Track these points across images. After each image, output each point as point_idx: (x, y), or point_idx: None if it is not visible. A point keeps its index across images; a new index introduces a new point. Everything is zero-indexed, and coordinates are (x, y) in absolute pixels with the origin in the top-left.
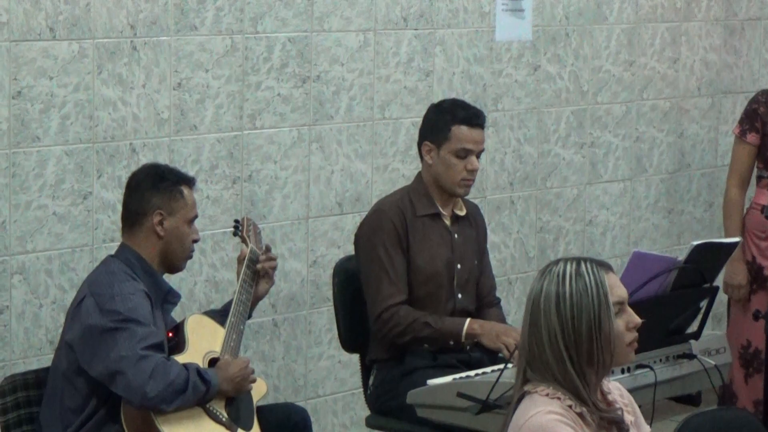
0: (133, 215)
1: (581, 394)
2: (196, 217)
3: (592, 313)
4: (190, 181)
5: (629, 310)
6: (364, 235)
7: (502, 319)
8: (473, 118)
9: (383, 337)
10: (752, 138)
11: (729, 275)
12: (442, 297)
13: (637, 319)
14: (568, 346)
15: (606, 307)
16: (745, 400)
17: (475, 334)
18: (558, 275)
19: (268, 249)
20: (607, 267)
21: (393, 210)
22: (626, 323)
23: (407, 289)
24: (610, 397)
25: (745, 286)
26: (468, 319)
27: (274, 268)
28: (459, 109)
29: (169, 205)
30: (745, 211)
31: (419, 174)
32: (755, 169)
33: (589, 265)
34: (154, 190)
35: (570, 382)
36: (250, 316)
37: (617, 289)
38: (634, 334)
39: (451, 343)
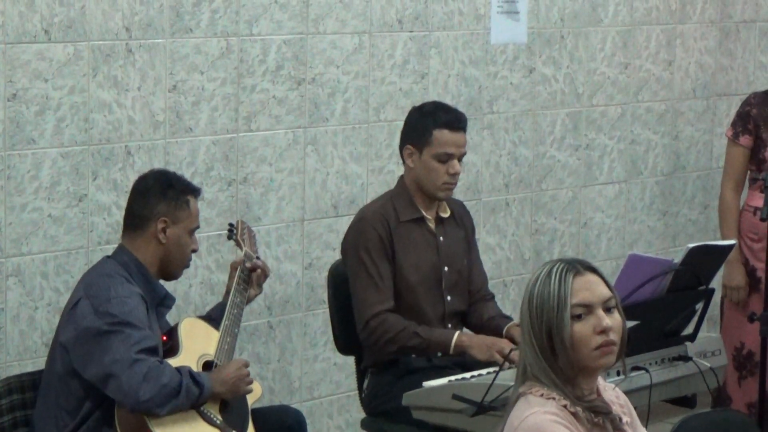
0: (136, 219)
1: (562, 389)
2: (197, 227)
3: (551, 315)
4: (196, 192)
5: (599, 313)
6: (349, 244)
7: (498, 312)
8: (455, 121)
9: (372, 344)
10: (745, 140)
11: (727, 277)
12: (430, 301)
13: (606, 323)
14: (538, 345)
15: (563, 311)
16: (739, 403)
17: (464, 347)
18: (535, 277)
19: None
20: (583, 268)
21: (376, 217)
22: (593, 327)
23: (393, 296)
24: (605, 396)
25: (744, 287)
26: (457, 332)
27: (265, 277)
28: (441, 112)
29: (174, 214)
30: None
31: (401, 178)
32: (748, 171)
33: (558, 268)
34: (161, 197)
35: (548, 378)
36: (241, 319)
37: (583, 293)
38: (605, 338)
39: (439, 354)
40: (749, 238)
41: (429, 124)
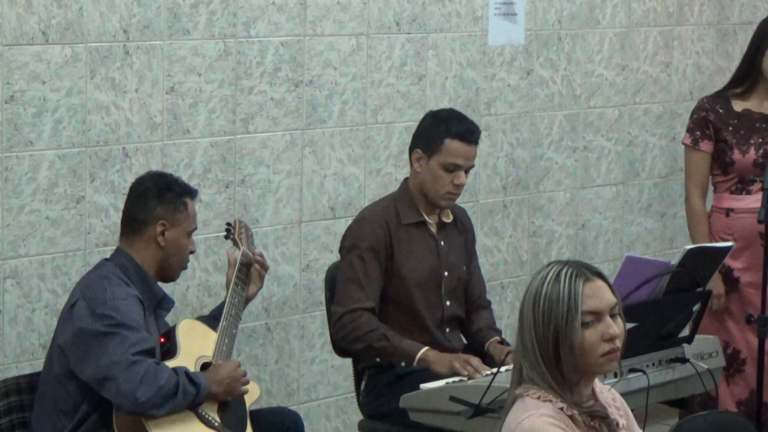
0: (134, 222)
1: (559, 394)
2: (195, 229)
3: (560, 321)
4: (193, 193)
5: (608, 320)
6: (345, 242)
7: (492, 321)
8: (468, 133)
9: (340, 339)
10: (705, 146)
11: None
12: (429, 305)
13: (614, 331)
14: (540, 347)
15: (573, 318)
16: (728, 402)
17: (428, 362)
18: (541, 277)
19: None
20: (591, 274)
21: (376, 219)
22: (601, 334)
23: (377, 300)
24: (601, 398)
25: (723, 294)
26: (425, 348)
27: (265, 270)
28: (455, 122)
29: (172, 217)
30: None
31: (405, 181)
32: (711, 176)
33: (568, 272)
34: (159, 199)
35: (545, 382)
36: (240, 319)
37: (593, 300)
38: (612, 345)
39: (403, 364)
40: (722, 239)
41: (442, 131)
